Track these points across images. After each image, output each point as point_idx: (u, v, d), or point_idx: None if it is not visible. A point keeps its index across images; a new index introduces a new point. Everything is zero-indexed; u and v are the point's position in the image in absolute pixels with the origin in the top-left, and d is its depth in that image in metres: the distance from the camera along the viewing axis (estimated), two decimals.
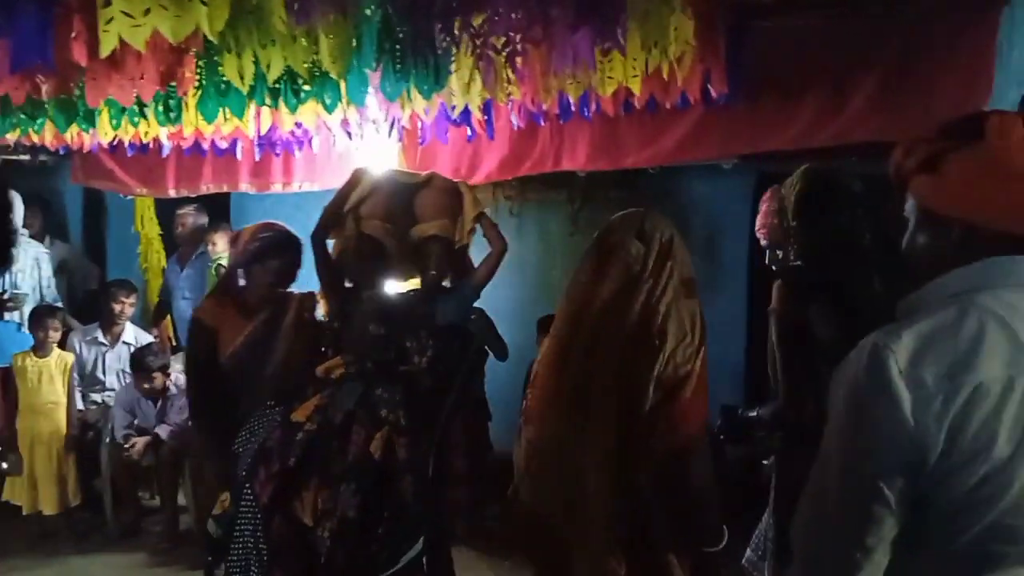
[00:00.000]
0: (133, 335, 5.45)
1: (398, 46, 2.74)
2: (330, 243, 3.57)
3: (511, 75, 3.08)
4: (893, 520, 1.17)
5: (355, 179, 3.55)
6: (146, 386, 4.93)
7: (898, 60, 3.53)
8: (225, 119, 3.49)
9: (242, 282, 3.46)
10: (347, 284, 3.55)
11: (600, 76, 3.12)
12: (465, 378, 3.52)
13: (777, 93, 3.74)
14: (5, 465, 4.73)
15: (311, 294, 3.57)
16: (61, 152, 5.60)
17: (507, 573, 4.34)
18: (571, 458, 2.14)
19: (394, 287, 3.66)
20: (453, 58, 2.89)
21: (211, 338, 3.30)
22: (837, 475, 1.20)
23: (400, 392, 3.22)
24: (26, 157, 6.12)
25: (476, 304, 3.74)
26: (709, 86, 3.32)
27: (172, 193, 5.57)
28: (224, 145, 4.51)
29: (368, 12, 2.62)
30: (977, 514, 1.13)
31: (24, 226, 5.63)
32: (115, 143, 4.52)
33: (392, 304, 3.49)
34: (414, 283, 3.70)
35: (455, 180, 3.77)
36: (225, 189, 5.46)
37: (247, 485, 3.08)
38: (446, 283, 3.61)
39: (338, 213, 3.51)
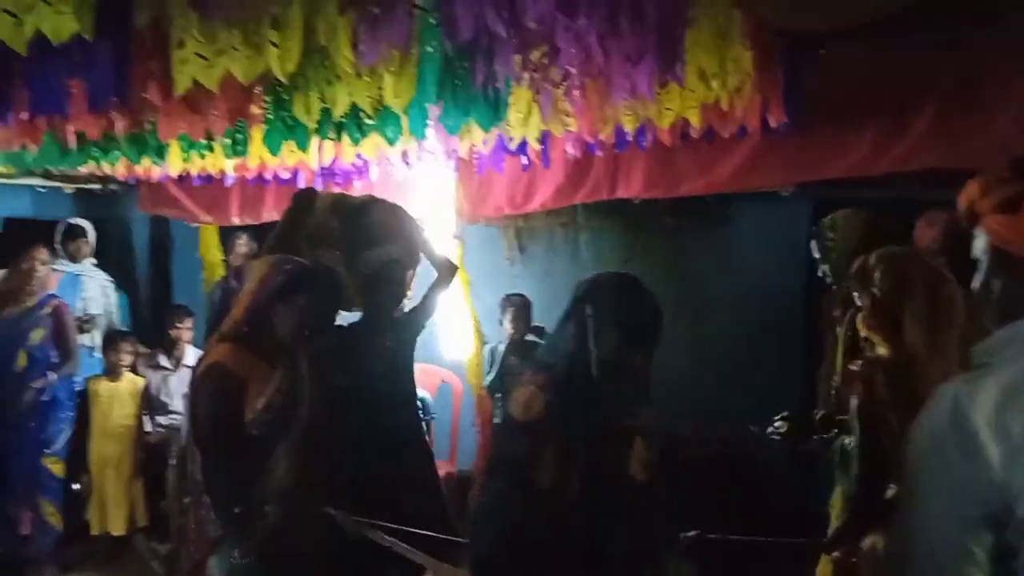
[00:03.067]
0: (195, 358, 5.57)
1: (458, 82, 2.80)
2: None
3: (569, 107, 3.12)
4: None
5: (304, 202, 3.25)
6: None
7: (959, 86, 3.48)
8: (290, 152, 3.59)
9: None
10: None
11: (658, 108, 3.14)
12: None
13: (836, 120, 3.71)
14: (78, 486, 4.87)
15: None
16: (130, 182, 5.84)
17: None
18: None
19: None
20: (511, 91, 2.94)
21: (240, 393, 2.57)
22: (923, 533, 1.16)
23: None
24: (97, 186, 6.35)
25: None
26: (768, 116, 3.30)
27: (236, 221, 5.73)
28: (286, 176, 4.63)
29: (430, 49, 2.68)
30: None
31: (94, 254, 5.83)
32: (182, 173, 4.67)
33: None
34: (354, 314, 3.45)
35: (392, 203, 3.55)
36: None
37: None
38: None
39: (294, 240, 3.16)
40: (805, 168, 3.94)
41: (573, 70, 2.83)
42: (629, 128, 3.43)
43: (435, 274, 3.47)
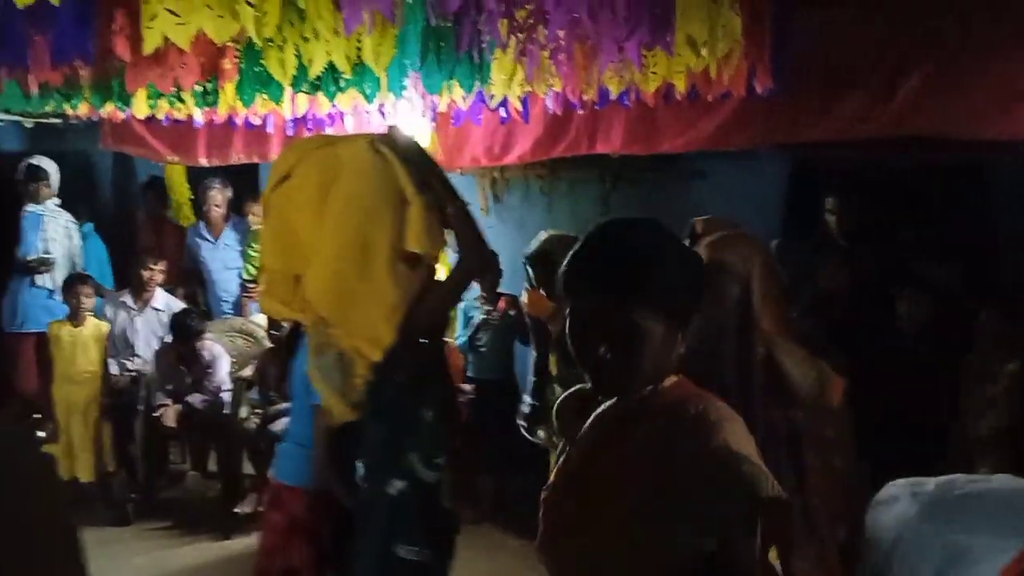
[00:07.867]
0: (164, 301, 5.48)
1: (442, 43, 2.70)
2: None
3: (553, 70, 3.03)
4: None
5: None
6: (183, 350, 4.97)
7: (949, 54, 3.44)
8: (262, 102, 3.46)
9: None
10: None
11: (644, 72, 3.06)
12: None
13: (821, 84, 3.65)
14: (43, 434, 4.80)
15: None
16: (92, 118, 5.61)
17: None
18: None
19: None
20: (495, 55, 2.85)
21: None
22: None
23: None
24: (58, 120, 6.10)
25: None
26: (754, 82, 3.24)
27: (203, 162, 5.56)
28: (257, 121, 4.48)
29: (412, 10, 2.57)
30: None
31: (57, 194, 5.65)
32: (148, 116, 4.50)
33: None
34: None
35: None
36: (255, 160, 5.45)
37: None
38: None
39: None
40: (787, 130, 3.88)
41: (561, 33, 2.74)
42: (614, 91, 3.35)
43: None
